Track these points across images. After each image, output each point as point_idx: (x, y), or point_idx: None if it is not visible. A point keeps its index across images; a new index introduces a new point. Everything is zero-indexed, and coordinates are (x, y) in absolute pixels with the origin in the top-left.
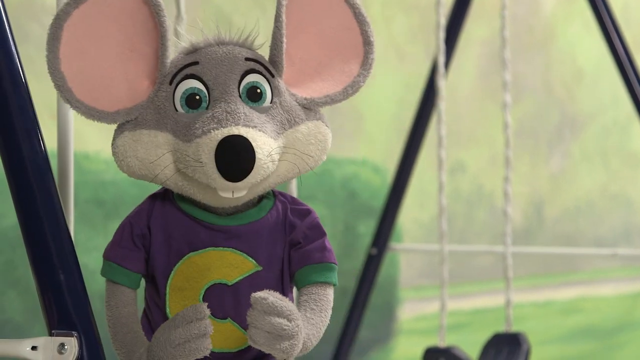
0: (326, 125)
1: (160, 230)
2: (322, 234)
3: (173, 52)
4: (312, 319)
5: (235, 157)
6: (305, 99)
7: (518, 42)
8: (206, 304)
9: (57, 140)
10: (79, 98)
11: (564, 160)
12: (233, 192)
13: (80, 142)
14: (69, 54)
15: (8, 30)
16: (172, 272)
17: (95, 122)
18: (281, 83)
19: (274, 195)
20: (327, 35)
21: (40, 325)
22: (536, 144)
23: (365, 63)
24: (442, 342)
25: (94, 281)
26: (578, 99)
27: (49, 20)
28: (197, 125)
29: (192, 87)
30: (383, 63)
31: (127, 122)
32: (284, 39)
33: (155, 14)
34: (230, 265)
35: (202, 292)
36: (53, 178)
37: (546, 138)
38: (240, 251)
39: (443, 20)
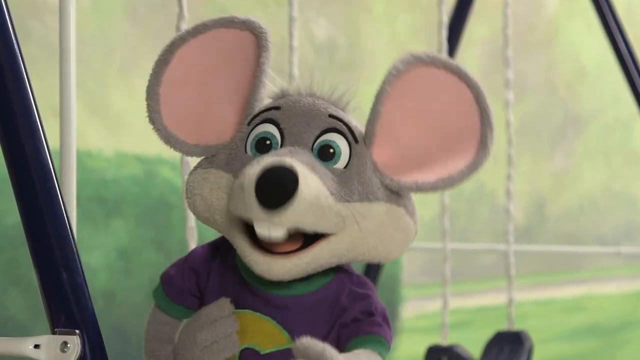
0: (410, 217)
1: (219, 275)
2: (374, 315)
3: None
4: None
5: (275, 182)
6: (392, 179)
7: (520, 40)
8: (229, 299)
9: (59, 139)
10: (165, 122)
11: (567, 159)
12: (270, 229)
13: (83, 140)
14: (173, 79)
15: (11, 29)
16: None
17: (172, 149)
18: (366, 153)
19: (334, 271)
20: (445, 130)
21: (42, 323)
22: (538, 142)
23: (472, 165)
24: (444, 340)
25: (97, 279)
26: (580, 97)
27: (51, 18)
28: (254, 160)
29: (267, 132)
30: (386, 61)
31: (204, 160)
32: (381, 109)
33: (260, 55)
34: (265, 334)
35: (239, 353)
36: (55, 176)
37: (548, 136)
38: (277, 323)
39: (446, 19)
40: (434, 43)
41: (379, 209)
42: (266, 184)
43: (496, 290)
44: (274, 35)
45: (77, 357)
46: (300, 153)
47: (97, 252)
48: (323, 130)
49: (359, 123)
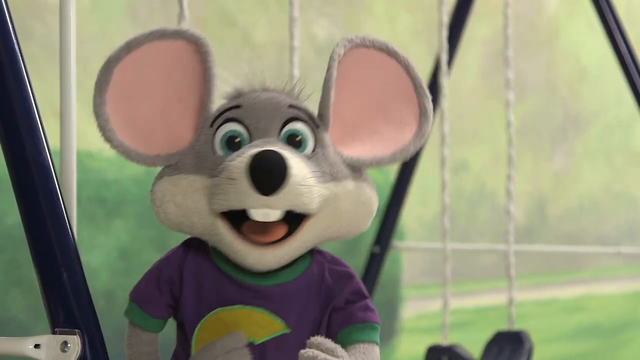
0: (372, 190)
1: (193, 278)
2: (364, 296)
3: (218, 100)
4: None
5: (269, 167)
6: (352, 157)
7: (521, 40)
8: (242, 332)
9: (59, 139)
10: (121, 139)
11: (567, 159)
12: (266, 214)
13: (83, 141)
14: (116, 97)
15: (11, 29)
16: (199, 324)
17: (134, 162)
18: (326, 136)
19: (310, 254)
20: (385, 103)
21: (43, 323)
22: (539, 142)
23: (419, 134)
24: (444, 341)
25: (97, 279)
26: (581, 97)
27: (52, 19)
28: (231, 156)
29: (233, 130)
30: None
31: (166, 168)
32: (332, 93)
33: (203, 61)
34: (257, 324)
35: None
36: (56, 176)
37: (549, 136)
38: (269, 311)
39: (446, 19)
40: (434, 43)
41: (348, 187)
42: (261, 171)
43: (497, 290)
44: (275, 36)
45: (77, 357)
46: (275, 142)
47: (97, 252)
48: (286, 120)
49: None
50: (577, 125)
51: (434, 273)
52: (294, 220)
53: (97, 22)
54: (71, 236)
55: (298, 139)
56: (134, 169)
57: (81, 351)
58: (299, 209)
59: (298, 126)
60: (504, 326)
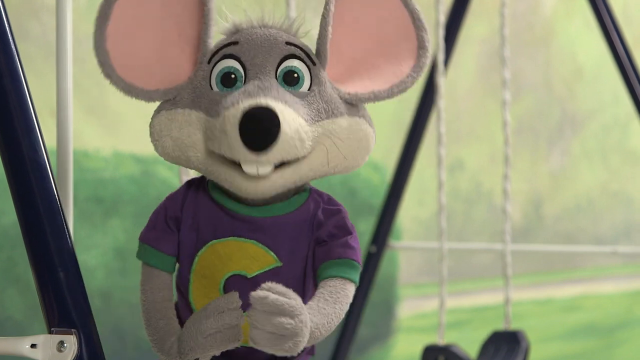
0: (370, 125)
1: (190, 215)
2: (348, 232)
3: (216, 34)
4: (325, 308)
5: (259, 125)
6: (349, 93)
7: (518, 39)
8: (237, 293)
9: (56, 138)
10: (120, 75)
11: (564, 158)
12: (258, 168)
13: (80, 140)
14: (116, 32)
15: (8, 28)
16: (196, 258)
17: (133, 98)
18: (323, 73)
19: (309, 192)
20: (383, 37)
21: (40, 323)
22: (536, 141)
23: (417, 66)
24: (441, 340)
25: (94, 279)
26: (578, 96)
27: (48, 18)
28: (227, 99)
29: (229, 67)
30: None
31: (165, 102)
32: (329, 29)
33: None
34: (250, 257)
35: (223, 281)
36: (52, 176)
37: (546, 136)
38: (262, 244)
39: (443, 18)
40: (431, 42)
41: (344, 123)
42: (251, 128)
43: (493, 289)
44: None
45: (73, 357)
46: (269, 88)
47: (94, 251)
48: (283, 58)
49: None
50: (574, 124)
51: (430, 272)
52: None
53: (93, 21)
54: (68, 235)
55: (295, 76)
56: (131, 169)
57: (77, 351)
58: (291, 158)
59: (295, 63)
60: (500, 325)
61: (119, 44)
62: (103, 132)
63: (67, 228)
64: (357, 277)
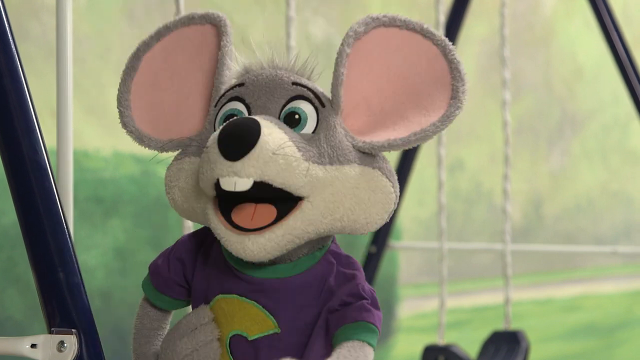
0: (388, 179)
1: (204, 264)
2: (362, 298)
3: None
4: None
5: (235, 132)
6: (363, 141)
7: (518, 39)
8: (208, 306)
9: (56, 138)
10: (137, 125)
11: (564, 158)
12: (235, 183)
13: (80, 140)
14: (141, 84)
15: (8, 29)
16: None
17: (147, 148)
18: (334, 117)
19: (324, 252)
20: (416, 88)
21: (40, 323)
22: (536, 141)
23: (445, 117)
24: (441, 340)
25: (94, 279)
26: (578, 96)
27: (49, 18)
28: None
29: (233, 109)
30: None
31: (178, 153)
32: (342, 71)
33: (221, 41)
34: (251, 319)
35: (228, 339)
36: (52, 176)
37: (546, 136)
38: (263, 307)
39: (443, 18)
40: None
41: (352, 171)
42: (227, 135)
43: (493, 289)
44: (272, 35)
45: (73, 357)
46: (268, 118)
47: (94, 251)
48: (289, 99)
49: (324, 90)
50: (574, 124)
51: (430, 272)
52: (283, 205)
53: (93, 22)
54: (68, 236)
55: (296, 117)
56: (131, 169)
57: (78, 351)
58: (273, 179)
59: (300, 105)
60: (500, 325)
61: (142, 96)
62: (103, 132)
63: (67, 228)
64: (374, 342)
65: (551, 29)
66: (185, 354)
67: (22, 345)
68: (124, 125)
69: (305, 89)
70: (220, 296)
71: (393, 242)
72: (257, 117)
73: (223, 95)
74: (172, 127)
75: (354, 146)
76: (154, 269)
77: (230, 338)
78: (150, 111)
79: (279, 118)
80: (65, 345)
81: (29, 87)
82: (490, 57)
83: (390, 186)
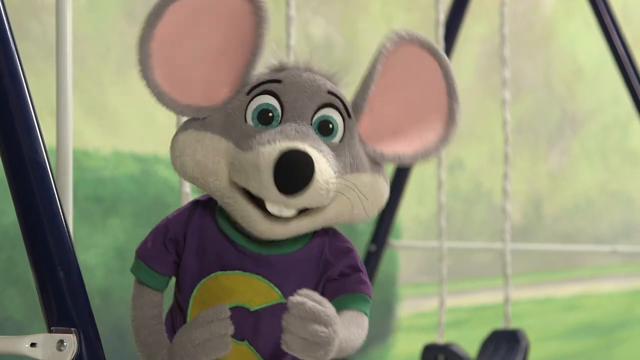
0: (387, 183)
1: (195, 241)
2: (360, 270)
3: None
4: (350, 326)
5: (295, 170)
6: (375, 151)
7: (518, 39)
8: (227, 304)
9: (56, 138)
10: (156, 79)
11: (564, 158)
12: (282, 210)
13: (79, 140)
14: (163, 35)
15: (8, 28)
16: (198, 285)
17: (164, 107)
18: (355, 127)
19: None
20: (418, 104)
21: (40, 322)
22: (536, 141)
23: (444, 138)
24: (441, 339)
25: (93, 278)
26: (578, 96)
27: (48, 18)
28: (262, 135)
29: (268, 104)
30: None
31: (194, 121)
32: (372, 86)
33: (257, 25)
34: (255, 291)
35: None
36: (52, 175)
37: (546, 135)
38: (268, 280)
39: (442, 17)
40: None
41: (366, 179)
42: (286, 171)
43: (493, 288)
44: (271, 35)
45: (73, 356)
46: (306, 134)
47: (94, 250)
48: (321, 106)
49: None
50: (574, 124)
51: (430, 271)
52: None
53: (93, 21)
54: (67, 235)
55: (330, 126)
56: (130, 168)
57: (77, 350)
58: (313, 206)
59: (331, 113)
60: (500, 325)
61: (164, 47)
62: (103, 132)
63: (67, 228)
64: (369, 312)
65: (551, 28)
66: (198, 342)
67: (22, 344)
68: (144, 77)
69: (337, 99)
70: (219, 272)
71: (393, 241)
72: (309, 150)
73: (257, 85)
74: (186, 90)
75: (366, 154)
76: (146, 253)
77: (230, 310)
78: (168, 67)
79: (310, 123)
80: (65, 344)
81: (29, 87)
82: (490, 56)
83: (387, 190)
